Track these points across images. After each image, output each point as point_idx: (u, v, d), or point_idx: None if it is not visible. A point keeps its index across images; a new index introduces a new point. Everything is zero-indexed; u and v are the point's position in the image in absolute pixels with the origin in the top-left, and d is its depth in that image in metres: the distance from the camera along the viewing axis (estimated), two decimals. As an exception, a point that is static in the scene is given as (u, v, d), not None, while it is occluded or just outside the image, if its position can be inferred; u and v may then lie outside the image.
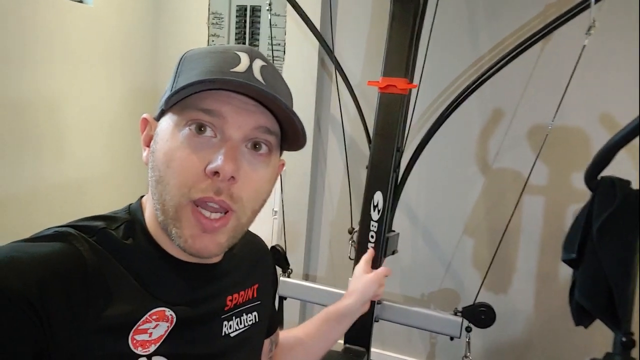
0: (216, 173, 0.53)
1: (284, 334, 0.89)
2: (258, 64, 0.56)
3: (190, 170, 0.53)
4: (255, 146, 0.57)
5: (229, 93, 0.54)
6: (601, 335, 1.26)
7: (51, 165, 2.02)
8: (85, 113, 2.15)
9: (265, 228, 2.29)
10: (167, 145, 0.55)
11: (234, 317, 0.67)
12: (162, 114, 0.58)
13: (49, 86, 1.96)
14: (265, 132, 0.57)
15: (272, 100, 0.53)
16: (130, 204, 0.64)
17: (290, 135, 0.60)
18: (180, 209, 0.54)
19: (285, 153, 0.66)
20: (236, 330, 0.67)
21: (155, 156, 0.56)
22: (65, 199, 2.09)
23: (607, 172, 1.12)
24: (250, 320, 0.70)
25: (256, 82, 0.53)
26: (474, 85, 1.57)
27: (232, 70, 0.54)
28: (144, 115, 0.61)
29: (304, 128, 0.57)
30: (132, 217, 0.60)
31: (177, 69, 0.58)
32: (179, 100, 0.56)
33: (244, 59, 0.56)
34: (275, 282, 0.84)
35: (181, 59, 0.59)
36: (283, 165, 0.67)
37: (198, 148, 0.54)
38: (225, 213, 0.55)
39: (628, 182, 1.05)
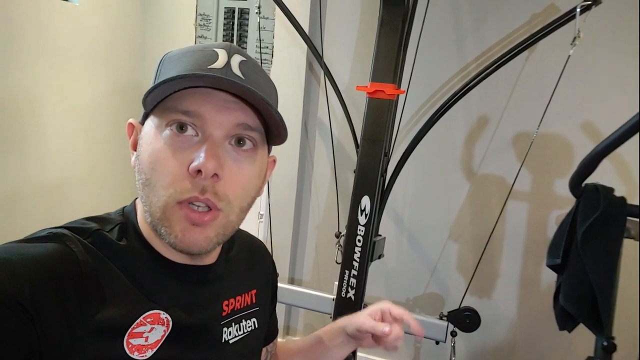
0: (199, 171, 0.52)
1: (283, 344, 0.86)
2: (237, 59, 0.55)
3: (174, 171, 0.53)
4: (239, 142, 0.56)
5: (208, 91, 0.54)
6: (582, 340, 1.29)
7: (33, 165, 1.98)
8: (69, 112, 2.11)
9: (252, 231, 2.27)
10: (151, 148, 0.55)
11: (233, 324, 0.66)
12: (145, 117, 0.58)
13: (32, 84, 1.93)
14: (246, 128, 0.56)
15: (248, 93, 0.52)
16: (125, 206, 0.63)
17: (273, 129, 0.59)
18: (167, 209, 0.53)
19: (274, 155, 0.65)
20: (235, 337, 0.66)
21: (141, 159, 0.56)
22: (47, 199, 2.05)
23: (590, 179, 1.15)
24: (249, 327, 0.69)
25: (233, 77, 0.53)
26: (460, 92, 1.59)
27: (209, 67, 0.53)
28: (130, 120, 0.61)
29: (282, 120, 0.56)
30: (126, 219, 0.60)
31: (158, 70, 0.58)
32: (159, 102, 0.55)
33: (222, 55, 0.55)
34: (275, 288, 0.81)
35: (161, 60, 0.59)
36: (274, 161, 0.66)
37: (180, 148, 0.53)
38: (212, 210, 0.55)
39: (611, 190, 1.08)
